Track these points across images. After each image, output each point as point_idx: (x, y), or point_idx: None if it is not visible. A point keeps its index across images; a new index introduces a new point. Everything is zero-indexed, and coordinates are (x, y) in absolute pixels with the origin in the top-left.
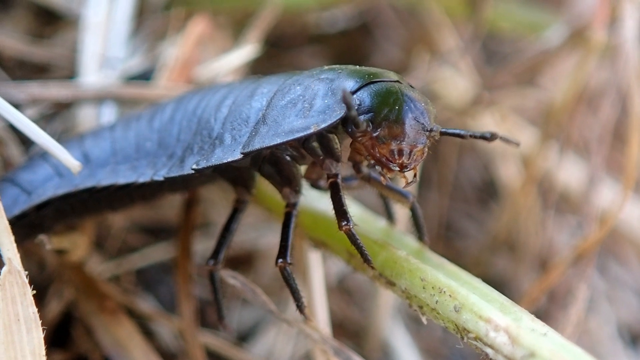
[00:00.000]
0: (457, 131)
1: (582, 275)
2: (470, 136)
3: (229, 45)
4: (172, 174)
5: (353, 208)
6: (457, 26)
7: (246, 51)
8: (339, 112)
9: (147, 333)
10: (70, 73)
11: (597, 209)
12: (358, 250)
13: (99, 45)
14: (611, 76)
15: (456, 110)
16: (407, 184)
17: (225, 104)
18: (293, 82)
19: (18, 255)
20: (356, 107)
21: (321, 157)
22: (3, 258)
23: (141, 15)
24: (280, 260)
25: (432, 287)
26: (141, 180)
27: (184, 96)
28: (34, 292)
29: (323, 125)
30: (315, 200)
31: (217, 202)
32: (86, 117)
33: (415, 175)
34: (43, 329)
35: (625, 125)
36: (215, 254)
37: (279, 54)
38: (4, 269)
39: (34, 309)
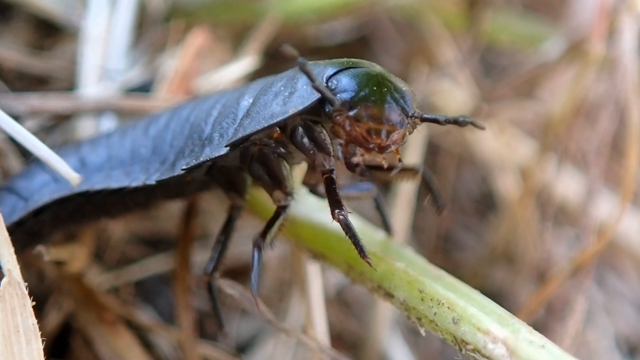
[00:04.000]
0: (434, 117)
1: (580, 287)
2: (446, 121)
3: (229, 57)
4: (164, 177)
5: (351, 219)
6: (455, 39)
7: (245, 63)
8: (316, 94)
9: (146, 344)
10: (69, 85)
11: (595, 221)
12: (353, 241)
13: (99, 57)
14: (609, 89)
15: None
16: (392, 170)
17: (216, 108)
18: (278, 78)
19: (18, 267)
20: (333, 87)
21: (312, 152)
22: (3, 269)
23: (141, 27)
24: (259, 239)
25: (431, 299)
26: (134, 184)
27: (179, 105)
28: (34, 303)
29: (300, 108)
30: (313, 212)
31: (216, 213)
32: (86, 129)
33: (400, 160)
34: (42, 340)
35: (623, 137)
36: (212, 262)
37: (278, 65)
38: (4, 280)
39: (33, 320)
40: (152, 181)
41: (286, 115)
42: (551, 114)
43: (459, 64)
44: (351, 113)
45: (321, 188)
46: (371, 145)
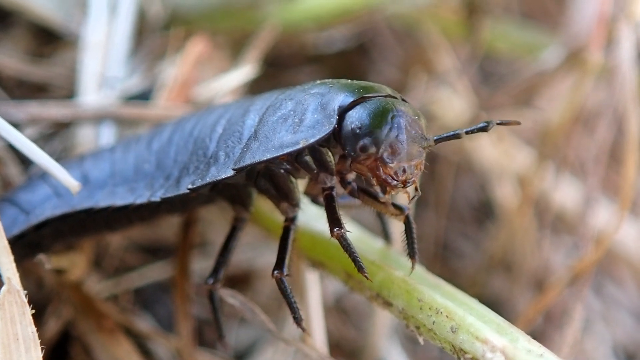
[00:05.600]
0: (451, 133)
1: (578, 296)
2: (467, 132)
3: (228, 65)
4: (169, 195)
5: (350, 228)
6: (454, 47)
7: (245, 71)
8: (327, 127)
9: (145, 352)
10: (69, 93)
11: (593, 229)
12: (350, 257)
13: (98, 64)
14: (607, 97)
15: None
16: (410, 199)
17: (220, 123)
18: (285, 97)
19: (17, 275)
20: (357, 130)
21: (315, 171)
22: (2, 277)
23: (140, 35)
24: (276, 271)
25: (429, 308)
26: (138, 201)
27: (182, 118)
28: (33, 311)
29: (312, 141)
30: (313, 220)
31: (215, 221)
32: (85, 137)
33: (417, 189)
34: (42, 348)
35: (622, 146)
36: (215, 272)
37: (277, 73)
38: (4, 288)
39: (33, 328)
40: (156, 198)
41: (297, 147)
42: (549, 122)
43: (458, 72)
44: (379, 156)
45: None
46: (395, 183)
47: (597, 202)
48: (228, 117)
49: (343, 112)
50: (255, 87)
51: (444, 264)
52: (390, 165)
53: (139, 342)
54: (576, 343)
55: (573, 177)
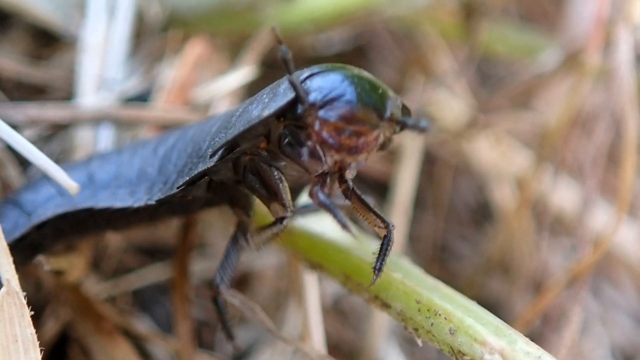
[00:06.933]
0: (402, 120)
1: (576, 298)
2: (410, 125)
3: (226, 67)
4: (163, 196)
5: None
6: (452, 49)
7: (243, 73)
8: (288, 96)
9: (144, 354)
10: (68, 94)
11: (591, 231)
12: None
13: (97, 66)
14: (605, 100)
15: (451, 132)
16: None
17: (216, 125)
18: (265, 89)
19: (16, 277)
20: (307, 90)
21: (301, 159)
22: (1, 279)
23: (139, 36)
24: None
25: (428, 310)
26: (136, 205)
27: (189, 124)
28: (32, 313)
29: (273, 110)
30: (310, 221)
31: (214, 223)
32: (84, 139)
33: (365, 159)
34: (41, 350)
35: (619, 148)
36: (219, 277)
37: (276, 75)
38: (3, 290)
39: (31, 330)
40: (152, 201)
41: (261, 119)
42: (547, 124)
43: (456, 74)
44: (320, 113)
45: (335, 197)
46: (339, 146)
47: (595, 204)
48: (224, 118)
49: (304, 81)
50: (254, 89)
51: (442, 265)
52: (331, 121)
53: (138, 343)
54: (574, 345)
55: (571, 179)
